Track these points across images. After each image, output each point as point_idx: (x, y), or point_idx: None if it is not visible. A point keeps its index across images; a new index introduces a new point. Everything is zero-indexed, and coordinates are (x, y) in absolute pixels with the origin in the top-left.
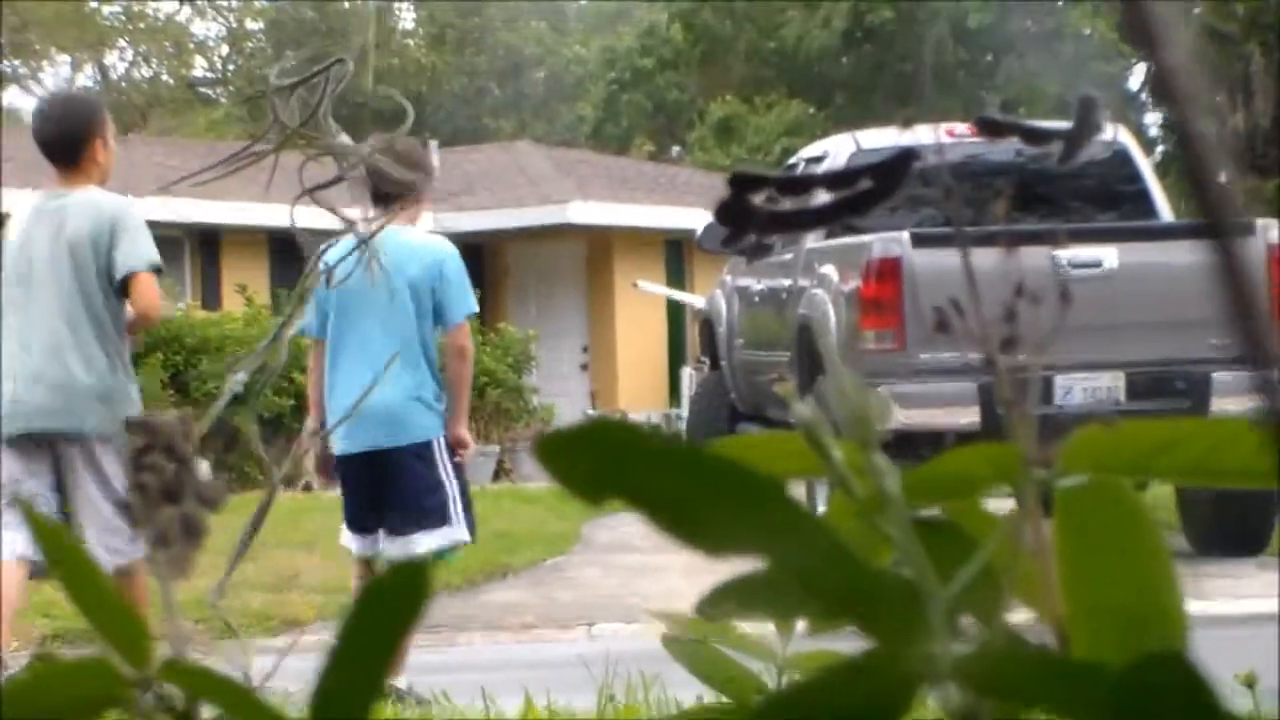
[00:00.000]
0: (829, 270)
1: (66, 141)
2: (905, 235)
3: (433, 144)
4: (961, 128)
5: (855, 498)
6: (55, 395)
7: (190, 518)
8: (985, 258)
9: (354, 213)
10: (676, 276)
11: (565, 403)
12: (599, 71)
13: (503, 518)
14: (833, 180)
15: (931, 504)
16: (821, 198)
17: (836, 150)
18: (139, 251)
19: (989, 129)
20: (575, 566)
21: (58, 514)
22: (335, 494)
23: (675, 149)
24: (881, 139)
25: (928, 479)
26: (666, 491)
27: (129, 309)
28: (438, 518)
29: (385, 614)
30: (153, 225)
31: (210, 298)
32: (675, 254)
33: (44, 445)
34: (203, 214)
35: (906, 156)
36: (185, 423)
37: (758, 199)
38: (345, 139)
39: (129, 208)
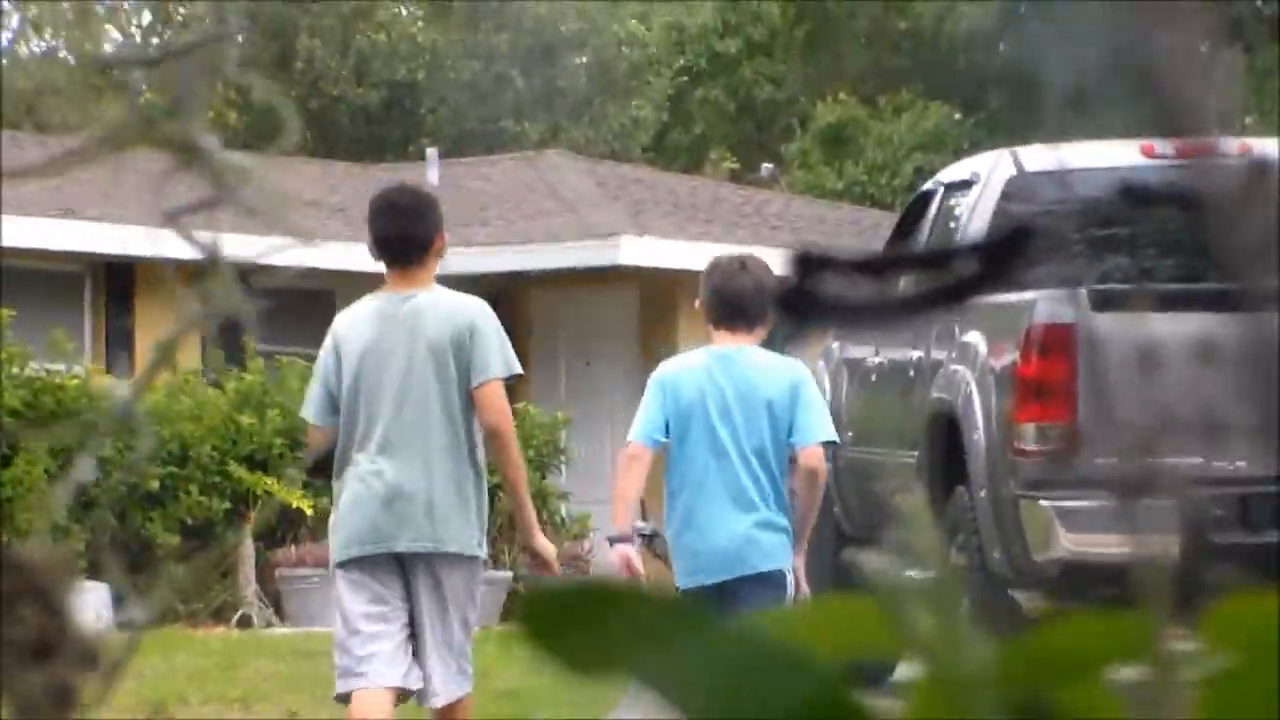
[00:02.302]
0: (975, 339)
1: (415, 241)
2: (1082, 294)
3: (431, 153)
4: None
5: (944, 682)
6: (416, 511)
7: (62, 682)
8: (1198, 325)
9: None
10: (764, 341)
11: (606, 512)
12: (663, 57)
13: (514, 670)
14: (926, 261)
15: (1046, 685)
16: (910, 281)
17: (990, 172)
18: (500, 357)
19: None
20: None
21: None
22: (282, 631)
23: (766, 166)
24: (1052, 158)
25: (1042, 654)
26: (680, 675)
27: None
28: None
29: None
30: (44, 255)
31: (119, 357)
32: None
33: (395, 563)
34: (110, 240)
35: (1024, 234)
36: (64, 560)
37: (829, 283)
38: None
39: (486, 308)
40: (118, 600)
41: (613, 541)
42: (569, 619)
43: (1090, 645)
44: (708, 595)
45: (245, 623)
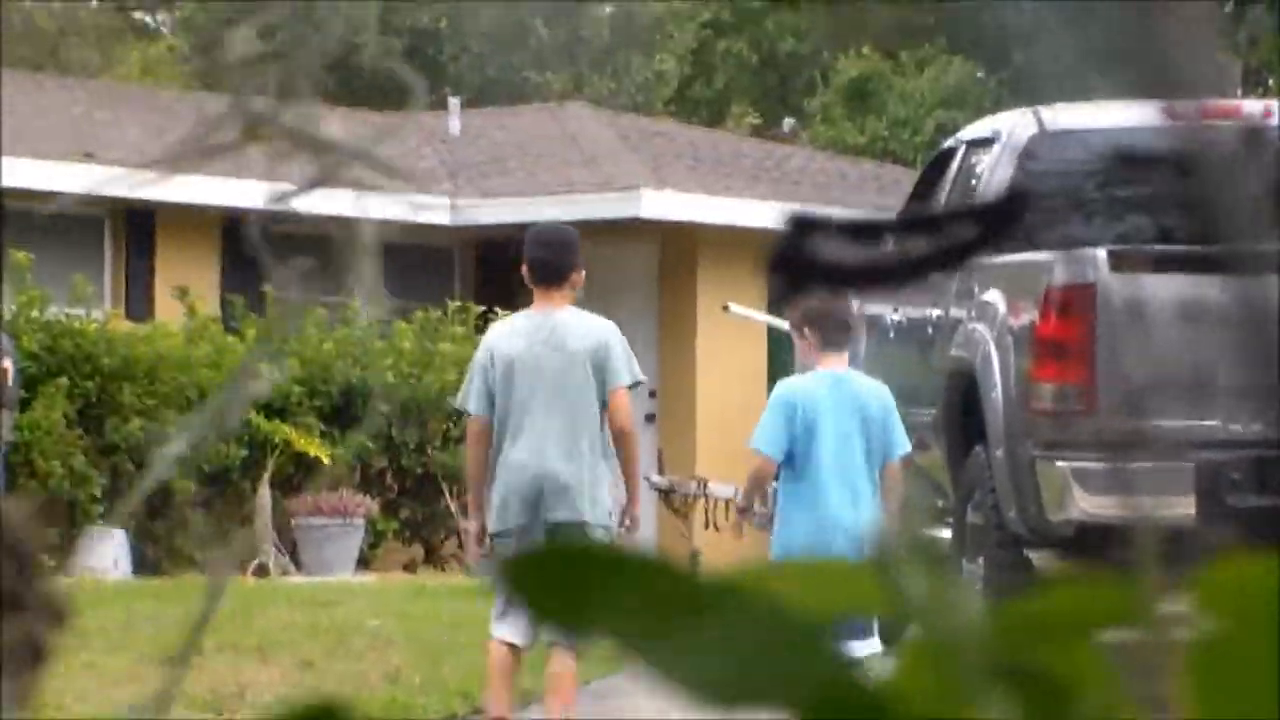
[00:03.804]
0: (994, 298)
1: (558, 268)
2: (1101, 254)
3: (453, 103)
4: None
5: (934, 643)
6: (560, 489)
7: (34, 637)
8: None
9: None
10: (782, 298)
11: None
12: (686, 9)
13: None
14: (921, 226)
15: (1036, 647)
16: (910, 245)
17: (1011, 130)
18: (626, 368)
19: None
20: (625, 694)
21: None
22: (298, 580)
23: (788, 121)
24: (1079, 117)
25: (1033, 617)
26: (661, 634)
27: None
28: None
29: None
30: (65, 199)
31: (138, 304)
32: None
33: (543, 533)
34: (131, 187)
35: (1020, 198)
36: (31, 513)
37: (823, 247)
38: (330, 127)
39: (615, 328)
40: (135, 547)
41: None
42: (554, 584)
43: (1082, 608)
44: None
45: (262, 570)
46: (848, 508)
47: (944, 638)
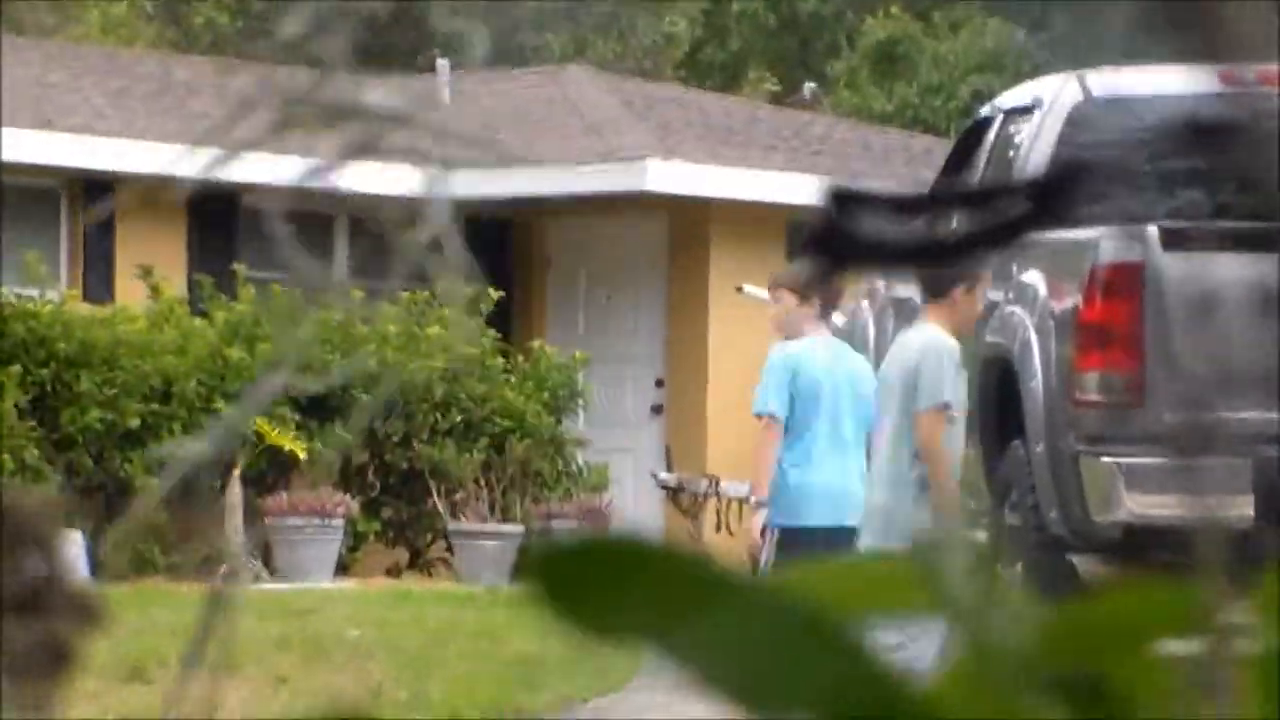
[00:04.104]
0: (1034, 279)
1: (939, 279)
2: (1151, 230)
3: (441, 65)
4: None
5: (979, 648)
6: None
7: (57, 640)
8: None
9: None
10: (823, 279)
11: (627, 462)
12: None
13: (524, 636)
14: (970, 200)
15: (1090, 656)
16: (953, 222)
17: (1054, 97)
18: (933, 390)
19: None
20: (628, 711)
21: None
22: (271, 587)
23: (809, 86)
24: (1127, 82)
25: (1090, 623)
26: (699, 635)
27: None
28: None
29: None
30: (20, 169)
31: (97, 284)
32: (801, 245)
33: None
34: (90, 155)
35: (1079, 171)
36: (54, 505)
37: (863, 223)
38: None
39: (942, 346)
40: (92, 549)
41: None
42: (582, 579)
43: (1140, 615)
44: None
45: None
46: (845, 474)
47: (991, 643)
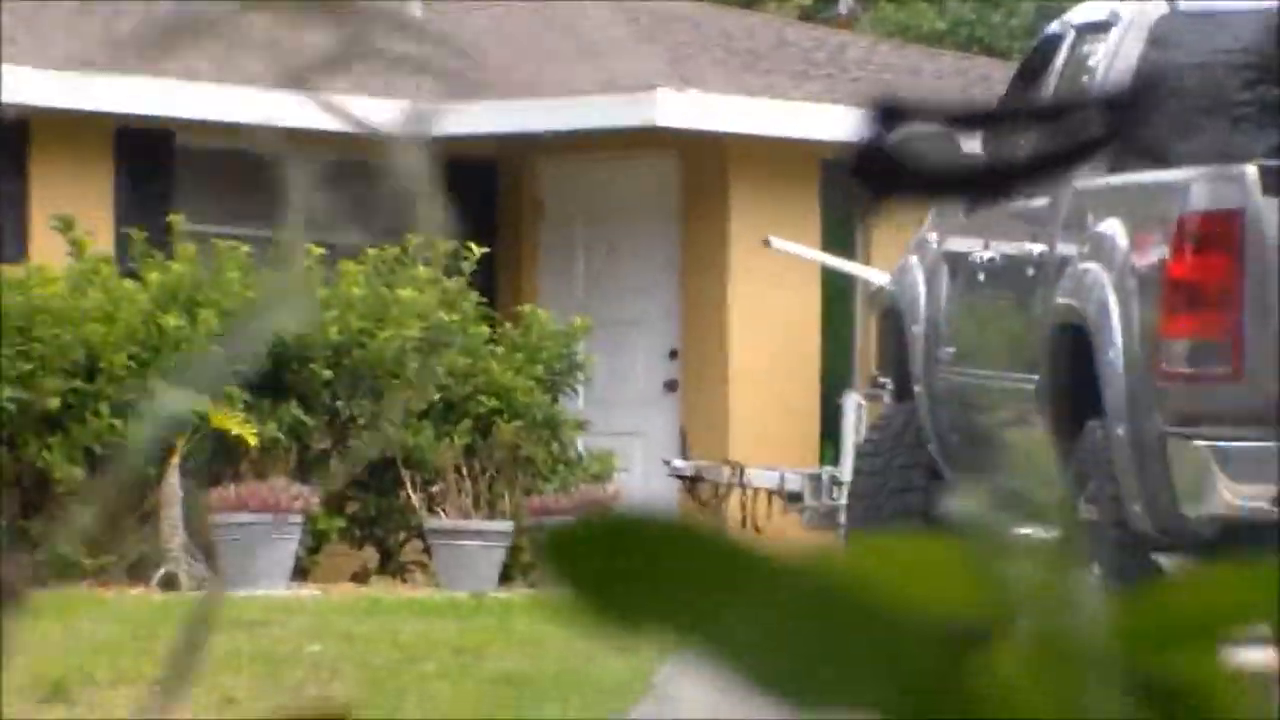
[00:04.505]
0: (1112, 229)
1: None
2: (1250, 171)
3: None
4: None
5: (1049, 649)
6: None
7: None
8: None
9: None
10: (839, 230)
11: (635, 447)
12: None
13: (518, 648)
14: (1037, 116)
15: (1171, 653)
16: (1020, 143)
17: (1137, 11)
18: None
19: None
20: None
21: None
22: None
23: (844, 3)
24: None
25: (1172, 615)
26: (742, 624)
27: None
28: None
29: None
30: None
31: (9, 240)
32: (839, 188)
33: None
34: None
35: (1157, 87)
36: None
37: (915, 143)
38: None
39: None
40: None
41: None
42: (609, 561)
43: (1224, 609)
44: None
45: (170, 582)
46: None
47: (1062, 638)
